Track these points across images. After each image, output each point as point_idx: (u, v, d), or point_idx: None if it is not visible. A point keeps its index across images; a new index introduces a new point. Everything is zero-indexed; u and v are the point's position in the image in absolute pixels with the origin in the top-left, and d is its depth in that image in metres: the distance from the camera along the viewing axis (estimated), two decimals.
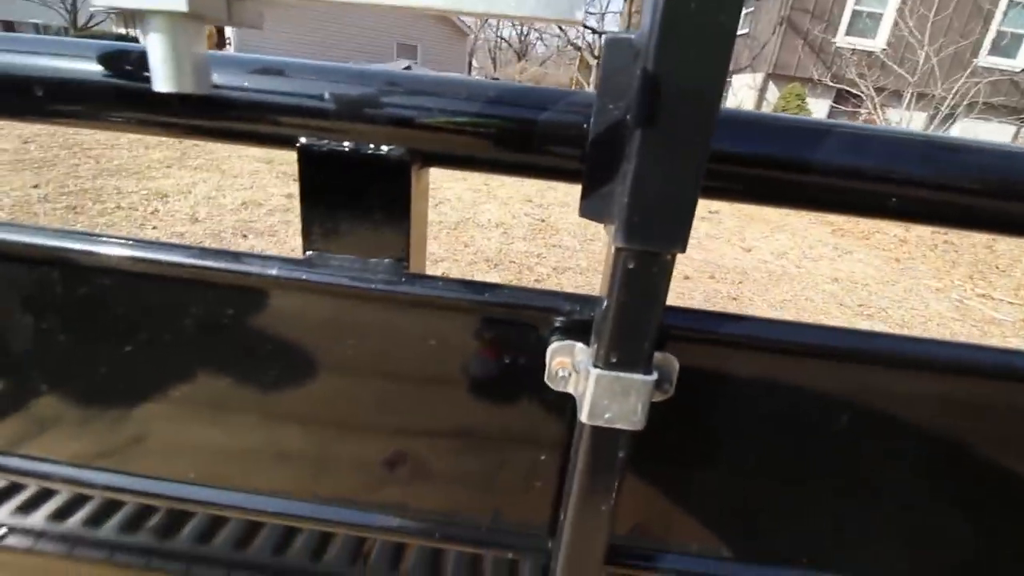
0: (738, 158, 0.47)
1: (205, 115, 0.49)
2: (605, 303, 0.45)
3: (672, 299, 0.45)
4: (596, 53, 33.46)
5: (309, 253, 0.55)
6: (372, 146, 0.50)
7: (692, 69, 0.37)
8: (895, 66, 12.30)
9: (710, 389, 0.55)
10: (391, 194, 0.52)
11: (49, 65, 0.48)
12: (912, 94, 11.91)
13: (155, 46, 0.33)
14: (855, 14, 14.66)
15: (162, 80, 0.33)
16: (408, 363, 0.56)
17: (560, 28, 35.69)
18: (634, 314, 0.45)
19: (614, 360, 0.47)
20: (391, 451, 0.61)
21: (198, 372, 0.58)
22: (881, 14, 14.41)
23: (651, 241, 0.41)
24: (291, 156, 0.51)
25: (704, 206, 7.30)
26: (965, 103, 11.31)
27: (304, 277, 0.53)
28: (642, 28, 0.38)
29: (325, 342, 0.56)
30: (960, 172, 0.46)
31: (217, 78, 0.48)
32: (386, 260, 0.54)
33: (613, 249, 0.44)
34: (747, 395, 0.55)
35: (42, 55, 0.48)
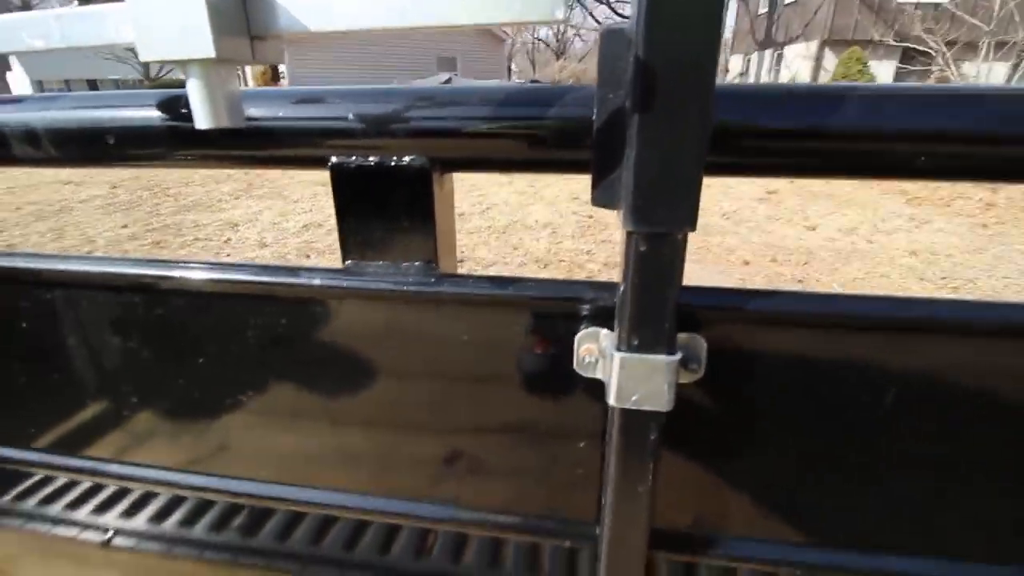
0: (748, 131, 0.46)
1: (248, 146, 0.55)
2: (622, 287, 0.47)
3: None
4: None
5: (348, 262, 0.59)
6: (395, 158, 0.54)
7: (681, 50, 0.37)
8: (967, 16, 11.23)
9: (745, 368, 0.54)
10: (416, 201, 0.55)
11: (114, 116, 0.55)
12: (989, 44, 10.83)
13: (193, 90, 0.37)
14: None
15: (202, 118, 0.38)
16: (446, 360, 0.59)
17: (597, 21, 35.24)
18: (650, 295, 0.45)
19: (636, 343, 0.48)
20: (440, 445, 0.64)
21: (255, 379, 0.64)
22: None
23: (658, 222, 0.42)
24: None
25: (762, 186, 6.97)
26: None
27: (344, 285, 0.58)
28: (632, 15, 0.39)
29: (367, 344, 0.60)
30: (982, 121, 0.43)
31: (255, 111, 0.54)
32: (417, 263, 0.57)
33: (624, 234, 0.45)
34: (783, 371, 0.54)
35: (106, 108, 0.55)
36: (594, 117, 0.45)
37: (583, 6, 33.58)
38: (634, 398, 0.49)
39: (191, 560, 0.79)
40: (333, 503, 0.69)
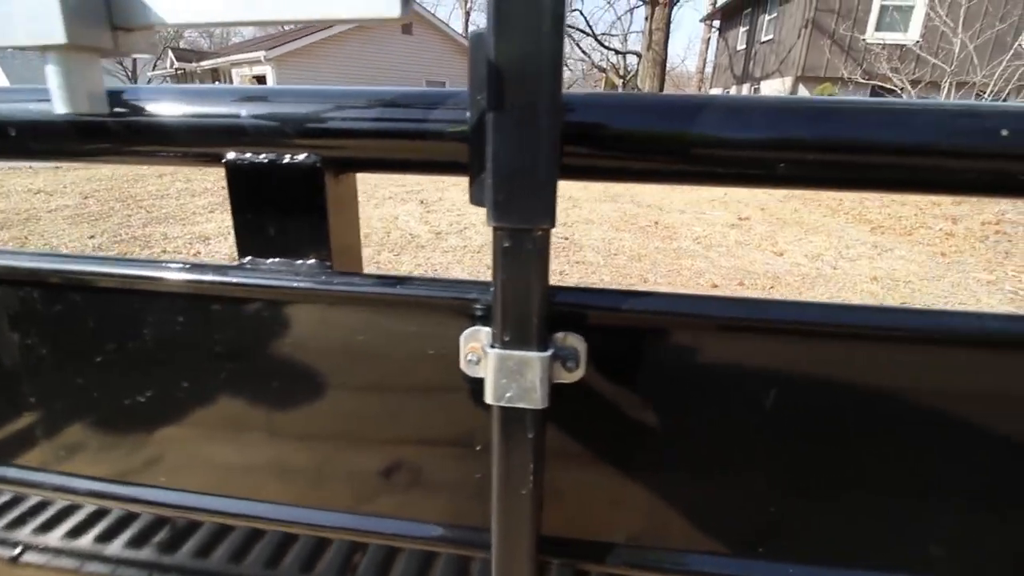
0: (601, 134, 0.48)
1: (143, 141, 0.56)
2: (493, 284, 0.48)
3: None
4: (621, 73, 33.69)
5: (244, 259, 0.59)
6: (288, 156, 0.55)
7: (528, 55, 0.39)
8: (930, 57, 11.82)
9: (631, 368, 0.55)
10: (309, 199, 0.56)
11: (11, 109, 0.55)
12: (951, 83, 11.39)
13: (51, 75, 0.38)
14: (883, 9, 14.28)
15: (59, 103, 0.39)
16: (339, 360, 0.60)
17: (584, 52, 36.18)
18: (518, 291, 0.47)
19: (507, 339, 0.49)
20: (334, 448, 0.64)
21: (147, 377, 0.63)
22: (912, 6, 13.96)
23: (518, 218, 0.44)
24: None
25: (735, 212, 7.14)
26: (1010, 87, 10.70)
27: (237, 281, 0.58)
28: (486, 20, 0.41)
29: (261, 342, 0.60)
30: (836, 132, 0.46)
31: (151, 107, 0.55)
32: (311, 261, 0.58)
33: (492, 231, 0.46)
34: (671, 371, 0.55)
35: (4, 102, 0.55)
36: (466, 118, 0.47)
37: (570, 37, 34.52)
38: (508, 395, 0.50)
39: None
40: (218, 509, 0.67)
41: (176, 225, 5.63)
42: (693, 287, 4.46)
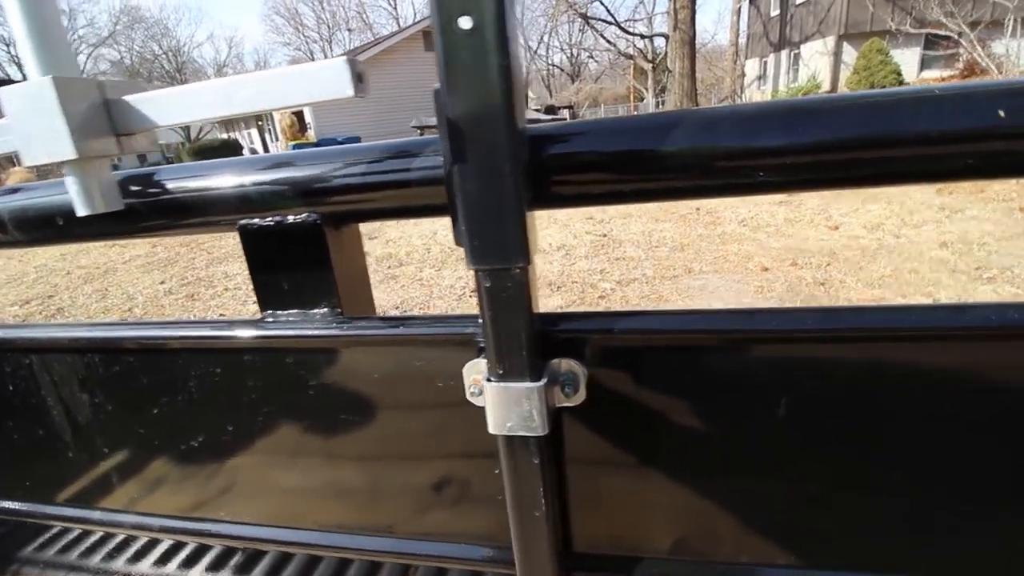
0: (565, 165, 0.49)
1: (165, 217, 0.62)
2: (480, 321, 0.50)
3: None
4: (649, 57, 32.97)
5: (265, 313, 0.64)
6: (291, 217, 0.59)
7: (481, 105, 0.41)
8: None
9: (633, 388, 0.56)
10: (314, 254, 0.60)
11: (58, 201, 0.63)
12: (1016, 20, 10.41)
13: (70, 184, 0.44)
14: None
15: (80, 206, 0.44)
16: (359, 399, 0.63)
17: (608, 41, 35.68)
18: (504, 327, 0.49)
19: (501, 371, 0.51)
20: (365, 479, 0.68)
21: (189, 428, 0.70)
22: None
23: (494, 259, 0.46)
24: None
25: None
26: None
27: (259, 334, 0.63)
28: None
29: (288, 387, 0.65)
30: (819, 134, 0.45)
31: (171, 185, 0.61)
32: (323, 309, 0.62)
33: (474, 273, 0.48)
34: (673, 388, 0.55)
35: (51, 195, 0.63)
36: (442, 167, 0.50)
37: (593, 29, 34.14)
38: (509, 425, 0.52)
39: None
40: (262, 537, 0.73)
41: (235, 263, 6.00)
42: (741, 272, 4.30)
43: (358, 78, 0.38)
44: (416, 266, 5.17)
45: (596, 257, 4.89)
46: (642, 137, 0.47)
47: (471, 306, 4.15)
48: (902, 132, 0.44)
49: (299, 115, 22.41)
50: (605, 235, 5.54)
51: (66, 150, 0.41)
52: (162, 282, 5.54)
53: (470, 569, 0.69)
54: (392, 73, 22.29)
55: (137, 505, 0.78)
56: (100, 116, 0.42)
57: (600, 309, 3.79)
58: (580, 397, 0.54)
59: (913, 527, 0.53)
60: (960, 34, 11.04)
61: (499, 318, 0.48)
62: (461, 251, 0.47)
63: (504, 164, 0.43)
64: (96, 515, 0.82)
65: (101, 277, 5.98)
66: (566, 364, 0.54)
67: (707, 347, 0.53)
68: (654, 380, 0.55)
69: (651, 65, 32.16)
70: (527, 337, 0.49)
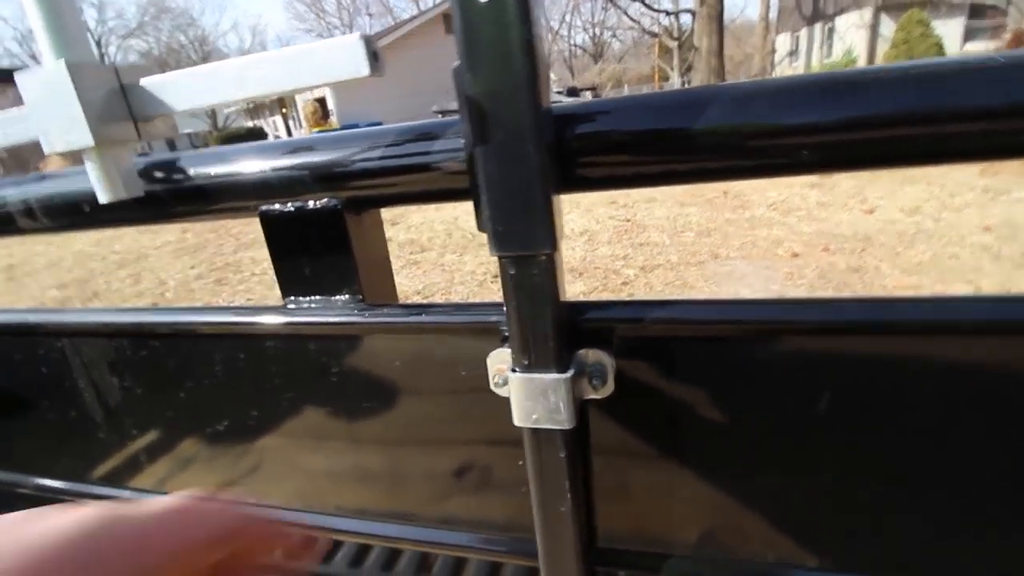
0: (594, 146, 0.47)
1: (186, 203, 0.61)
2: (505, 309, 0.48)
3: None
4: (675, 35, 32.03)
5: (287, 299, 0.64)
6: (312, 203, 0.58)
7: (502, 82, 0.39)
8: None
9: (664, 379, 0.54)
10: (335, 240, 0.59)
11: (82, 188, 0.63)
12: None
13: (91, 171, 0.43)
14: None
15: (101, 193, 0.44)
16: (381, 385, 0.63)
17: (632, 19, 34.78)
18: (529, 316, 0.47)
19: (526, 362, 0.49)
20: (391, 467, 0.68)
21: (210, 415, 0.70)
22: None
23: (518, 246, 0.44)
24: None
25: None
26: None
27: (281, 321, 0.63)
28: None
29: (308, 375, 0.64)
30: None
31: (193, 171, 0.60)
32: (345, 296, 0.61)
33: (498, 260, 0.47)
34: (705, 381, 0.53)
35: (78, 182, 0.63)
36: (464, 149, 0.48)
37: (616, 6, 33.32)
38: (534, 417, 0.50)
39: None
40: (283, 520, 0.74)
41: (261, 249, 6.11)
42: (771, 258, 4.18)
43: (373, 56, 0.36)
44: (438, 251, 5.18)
45: (619, 242, 4.81)
46: (679, 114, 0.44)
47: (492, 292, 4.15)
48: (963, 105, 0.40)
49: (322, 102, 22.53)
50: (629, 220, 5.44)
51: (84, 137, 0.40)
52: (192, 267, 5.68)
53: (492, 560, 0.68)
54: (413, 57, 22.18)
55: (164, 485, 0.79)
56: (117, 102, 0.42)
57: (626, 297, 3.74)
58: (608, 389, 0.52)
59: (968, 535, 0.50)
60: (1009, 2, 10.40)
61: (524, 307, 0.47)
62: (482, 237, 0.45)
63: (528, 145, 0.40)
64: (126, 494, 0.84)
65: (134, 263, 6.16)
66: (594, 355, 0.52)
67: (744, 338, 0.50)
68: (686, 372, 0.52)
69: (676, 43, 31.23)
70: (554, 327, 0.47)
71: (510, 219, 0.43)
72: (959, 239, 4.08)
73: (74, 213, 0.64)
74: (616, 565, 0.62)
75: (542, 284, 0.45)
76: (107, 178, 0.43)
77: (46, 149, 0.42)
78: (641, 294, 3.75)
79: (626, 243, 4.78)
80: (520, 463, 0.62)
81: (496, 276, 4.41)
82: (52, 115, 0.40)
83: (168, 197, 0.60)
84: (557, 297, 0.46)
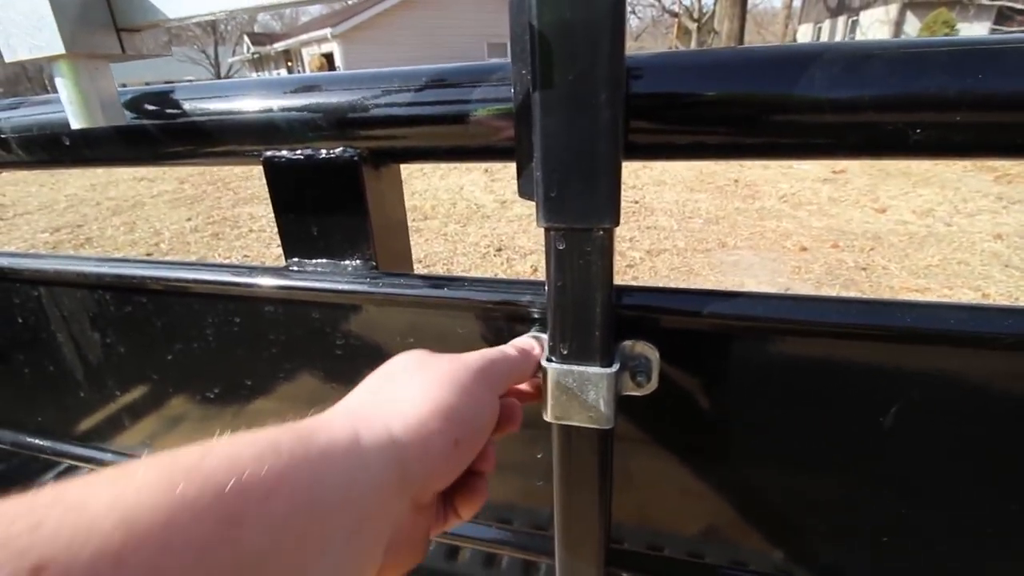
0: (675, 104, 0.39)
1: (179, 143, 0.54)
2: (546, 290, 0.42)
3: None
4: (695, 16, 31.14)
5: (290, 261, 0.57)
6: (324, 152, 0.51)
7: (579, 13, 0.32)
8: None
9: (710, 377, 0.48)
10: (349, 196, 0.52)
11: (48, 117, 0.55)
12: None
13: (61, 88, 0.35)
14: None
15: (74, 118, 0.36)
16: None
17: None
18: (576, 301, 0.40)
19: (565, 352, 0.42)
20: None
21: (200, 377, 0.64)
22: None
23: (573, 217, 0.37)
24: None
25: (827, 166, 6.46)
26: None
27: (283, 284, 0.56)
28: None
29: (310, 344, 0.58)
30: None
31: (190, 106, 0.52)
32: (357, 261, 0.54)
33: (544, 231, 0.40)
34: (755, 380, 0.46)
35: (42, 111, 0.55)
36: (511, 98, 0.40)
37: None
38: (569, 414, 0.44)
39: None
40: None
41: (260, 205, 5.98)
42: (778, 250, 4.11)
43: None
44: (441, 220, 5.06)
45: (626, 224, 4.72)
46: (792, 76, 0.36)
47: (494, 266, 4.07)
48: None
49: (328, 57, 21.88)
50: (637, 202, 5.34)
51: (53, 42, 0.32)
52: (188, 219, 5.55)
53: (517, 556, 0.63)
54: (426, 16, 21.46)
55: (143, 448, 0.74)
56: (97, 4, 0.34)
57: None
58: (652, 387, 0.46)
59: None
60: None
61: (571, 289, 0.40)
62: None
63: (604, 94, 0.33)
64: (108, 456, 0.78)
65: (129, 210, 6.02)
66: (639, 347, 0.45)
67: (805, 338, 0.43)
68: (738, 372, 0.46)
69: (696, 24, 30.40)
70: (603, 314, 0.40)
71: (567, 185, 0.36)
72: (970, 245, 4.01)
73: (51, 146, 0.57)
74: (639, 571, 0.57)
75: (596, 264, 0.38)
76: (81, 98, 0.36)
77: (7, 56, 0.34)
78: (646, 278, 3.69)
79: (633, 225, 4.69)
80: (539, 456, 0.57)
81: (499, 249, 4.32)
82: (14, 14, 0.32)
83: (158, 133, 0.52)
84: (610, 281, 0.40)
